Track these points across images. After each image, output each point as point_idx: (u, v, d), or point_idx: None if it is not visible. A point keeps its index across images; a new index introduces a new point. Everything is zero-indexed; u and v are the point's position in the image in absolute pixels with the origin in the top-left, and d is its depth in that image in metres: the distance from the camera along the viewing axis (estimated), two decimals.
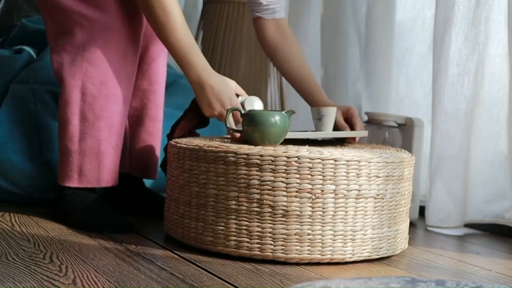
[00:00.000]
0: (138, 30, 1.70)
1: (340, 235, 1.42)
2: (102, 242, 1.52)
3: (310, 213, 1.40)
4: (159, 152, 1.86)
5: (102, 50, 1.64)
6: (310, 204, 1.39)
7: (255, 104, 1.62)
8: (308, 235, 1.40)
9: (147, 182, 2.05)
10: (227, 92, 1.59)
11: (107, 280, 1.22)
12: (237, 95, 1.63)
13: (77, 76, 1.64)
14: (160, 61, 1.85)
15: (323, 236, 1.41)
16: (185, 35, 1.59)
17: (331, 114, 1.61)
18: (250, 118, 1.47)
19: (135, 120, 1.83)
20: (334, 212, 1.41)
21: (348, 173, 1.40)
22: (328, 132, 1.61)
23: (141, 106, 1.83)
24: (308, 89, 1.77)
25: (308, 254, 1.41)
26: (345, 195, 1.41)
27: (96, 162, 1.66)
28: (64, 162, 1.68)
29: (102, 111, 1.65)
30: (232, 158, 1.41)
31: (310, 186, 1.39)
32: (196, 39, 2.65)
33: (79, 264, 1.32)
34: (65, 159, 1.68)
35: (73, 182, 1.67)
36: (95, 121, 1.65)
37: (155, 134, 1.85)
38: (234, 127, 1.57)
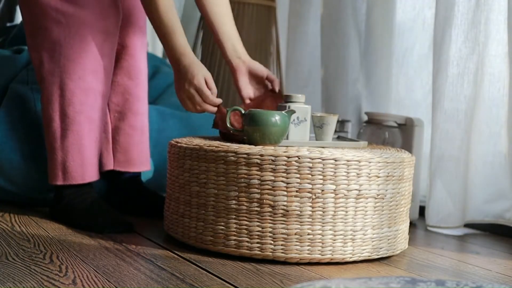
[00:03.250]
0: (115, 26, 1.71)
1: (340, 235, 1.42)
2: (102, 242, 1.52)
3: (310, 213, 1.39)
4: (146, 145, 1.87)
5: (79, 45, 1.65)
6: (310, 204, 1.39)
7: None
8: (308, 235, 1.40)
9: (148, 181, 2.05)
10: (198, 78, 1.53)
11: (107, 280, 1.22)
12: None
13: (55, 73, 1.66)
14: (140, 56, 1.85)
15: (323, 236, 1.41)
16: (167, 17, 1.57)
17: (332, 123, 1.60)
18: (250, 118, 1.47)
19: (118, 116, 1.83)
20: (334, 212, 1.41)
21: (348, 173, 1.40)
22: (328, 142, 1.60)
23: (123, 101, 1.83)
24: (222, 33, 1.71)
25: (308, 254, 1.41)
26: (345, 195, 1.41)
27: (79, 157, 1.67)
28: (49, 160, 1.70)
29: (82, 106, 1.67)
30: (232, 158, 1.41)
31: (310, 186, 1.39)
32: (196, 39, 2.65)
33: (79, 264, 1.32)
34: (50, 157, 1.70)
35: (58, 180, 1.68)
36: (76, 116, 1.66)
37: (139, 128, 1.85)
38: (236, 126, 1.57)
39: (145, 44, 1.88)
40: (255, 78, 1.67)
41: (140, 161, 1.86)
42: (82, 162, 1.68)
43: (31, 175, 1.86)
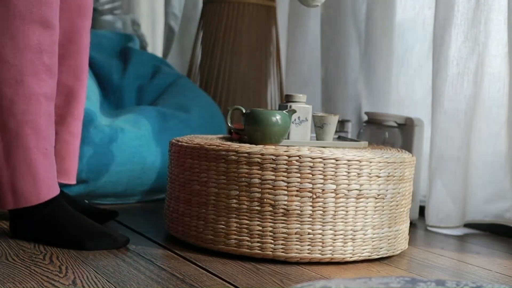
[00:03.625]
0: (55, 14, 1.45)
1: (341, 234, 1.42)
2: None
3: (311, 212, 1.39)
4: (78, 155, 1.71)
5: (12, 42, 1.40)
6: (311, 204, 1.39)
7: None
8: (308, 234, 1.40)
9: (149, 182, 2.05)
10: None
11: (107, 280, 1.22)
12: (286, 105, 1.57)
13: None
14: (87, 54, 1.67)
15: (323, 235, 1.41)
16: None
17: (333, 123, 1.60)
18: (251, 117, 1.47)
19: (57, 120, 1.61)
20: (335, 211, 1.41)
21: (349, 172, 1.40)
22: (328, 142, 1.60)
23: (65, 104, 1.63)
24: None
25: (308, 253, 1.40)
26: (345, 194, 1.41)
27: (29, 175, 1.43)
28: None
29: (25, 115, 1.42)
30: (233, 157, 1.41)
31: (311, 186, 1.39)
32: (196, 39, 2.65)
33: (79, 265, 1.32)
34: None
35: (8, 204, 1.44)
36: (19, 128, 1.42)
37: (77, 135, 1.67)
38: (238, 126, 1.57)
39: (89, 38, 1.69)
40: None
41: (74, 173, 1.68)
42: (34, 179, 1.44)
43: None
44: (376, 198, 1.44)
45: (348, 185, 1.41)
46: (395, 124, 2.02)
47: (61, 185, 1.65)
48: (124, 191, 2.01)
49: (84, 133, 1.91)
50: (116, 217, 1.71)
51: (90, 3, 1.65)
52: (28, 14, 1.40)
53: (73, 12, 1.59)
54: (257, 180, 1.39)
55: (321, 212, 1.40)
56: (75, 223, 1.48)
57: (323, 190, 1.39)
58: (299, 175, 1.38)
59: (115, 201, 2.03)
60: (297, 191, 1.39)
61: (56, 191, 1.49)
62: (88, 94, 2.06)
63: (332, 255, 1.42)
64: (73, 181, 1.68)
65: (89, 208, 1.69)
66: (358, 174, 1.41)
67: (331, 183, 1.39)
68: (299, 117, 1.56)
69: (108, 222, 1.70)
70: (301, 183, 1.39)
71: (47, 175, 1.47)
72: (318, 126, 1.60)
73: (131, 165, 1.99)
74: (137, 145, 2.01)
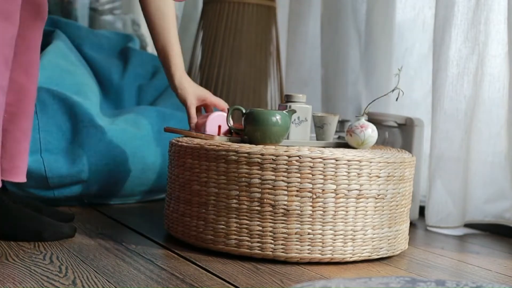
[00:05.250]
0: (16, 7, 1.42)
1: (341, 234, 1.42)
2: (102, 242, 1.52)
3: (311, 212, 1.39)
4: (28, 152, 1.67)
5: None
6: (311, 204, 1.39)
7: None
8: (308, 234, 1.40)
9: (151, 182, 2.05)
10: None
11: (107, 280, 1.22)
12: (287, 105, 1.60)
13: None
14: (38, 50, 1.63)
15: (323, 235, 1.41)
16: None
17: (333, 123, 1.60)
18: (251, 117, 1.47)
19: (8, 118, 1.57)
20: (335, 211, 1.41)
21: (349, 172, 1.40)
22: (329, 142, 1.60)
23: (17, 101, 1.58)
24: (167, 61, 1.71)
25: (308, 253, 1.40)
26: (345, 194, 1.41)
27: None
28: None
29: None
30: (233, 157, 1.41)
31: (311, 186, 1.39)
32: (196, 39, 2.65)
33: (79, 265, 1.32)
34: None
35: None
36: None
37: (28, 133, 1.62)
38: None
39: (42, 36, 1.65)
40: (200, 101, 1.72)
41: (24, 171, 1.62)
42: None
43: (31, 175, 1.86)
44: (376, 198, 1.44)
45: (348, 185, 1.41)
46: (395, 124, 2.02)
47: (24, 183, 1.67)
48: (124, 191, 2.01)
49: (84, 133, 1.91)
50: (71, 221, 1.68)
51: (45, 1, 1.61)
52: None
53: (27, 9, 1.55)
54: (257, 180, 1.39)
55: (321, 212, 1.40)
56: (25, 215, 1.50)
57: (323, 190, 1.39)
58: (299, 175, 1.38)
59: (115, 201, 2.03)
60: (297, 191, 1.39)
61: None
62: (88, 94, 2.06)
63: (332, 255, 1.42)
64: (23, 179, 1.63)
65: (39, 207, 1.67)
66: (358, 174, 1.41)
67: (331, 183, 1.39)
68: (299, 117, 1.56)
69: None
70: (301, 183, 1.39)
71: None
72: (318, 126, 1.60)
73: (131, 165, 1.99)
74: (137, 145, 2.01)
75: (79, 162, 1.89)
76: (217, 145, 1.44)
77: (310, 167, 1.38)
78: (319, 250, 1.41)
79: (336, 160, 1.39)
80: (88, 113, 1.94)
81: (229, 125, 1.57)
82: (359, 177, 1.41)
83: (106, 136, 1.95)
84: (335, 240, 1.42)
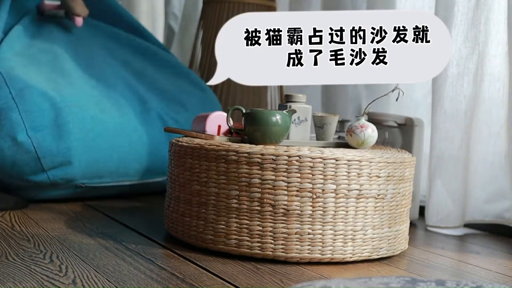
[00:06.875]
0: None
1: (341, 234, 1.42)
2: (102, 241, 1.52)
3: (311, 212, 1.39)
4: None
5: None
6: (311, 204, 1.39)
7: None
8: (308, 234, 1.40)
9: (151, 183, 2.05)
10: None
11: (107, 280, 1.22)
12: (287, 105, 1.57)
13: None
14: None
15: (323, 235, 1.41)
16: None
17: (333, 123, 1.60)
18: (251, 117, 1.47)
19: None
20: (335, 211, 1.41)
21: (349, 172, 1.40)
22: (329, 142, 1.60)
23: None
24: None
25: (308, 253, 1.41)
26: (346, 194, 1.41)
27: None
28: None
29: None
30: (233, 157, 1.41)
31: (311, 186, 1.39)
32: (196, 39, 2.65)
33: (79, 264, 1.32)
34: None
35: None
36: None
37: None
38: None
39: None
40: None
41: None
42: None
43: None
44: (376, 198, 1.44)
45: (348, 185, 1.41)
46: (395, 124, 2.02)
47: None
48: (117, 169, 2.01)
49: (66, 111, 1.91)
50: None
51: None
52: None
53: None
54: (257, 180, 1.39)
55: (321, 212, 1.40)
56: None
57: (323, 190, 1.39)
58: (299, 175, 1.38)
59: (111, 181, 2.03)
60: (297, 191, 1.39)
61: None
62: (63, 73, 2.06)
63: (332, 255, 1.42)
64: None
65: None
66: (358, 174, 1.41)
67: (331, 183, 1.39)
68: (299, 117, 1.56)
69: None
70: (301, 183, 1.39)
71: None
72: (318, 126, 1.60)
73: (118, 140, 2.00)
74: (120, 122, 2.03)
75: (67, 138, 1.89)
76: (217, 145, 1.44)
77: (310, 167, 1.38)
78: (319, 250, 1.41)
79: (336, 160, 1.39)
80: (65, 93, 1.95)
81: (229, 125, 1.57)
82: (359, 177, 1.41)
83: (87, 113, 1.97)
84: (335, 240, 1.42)
